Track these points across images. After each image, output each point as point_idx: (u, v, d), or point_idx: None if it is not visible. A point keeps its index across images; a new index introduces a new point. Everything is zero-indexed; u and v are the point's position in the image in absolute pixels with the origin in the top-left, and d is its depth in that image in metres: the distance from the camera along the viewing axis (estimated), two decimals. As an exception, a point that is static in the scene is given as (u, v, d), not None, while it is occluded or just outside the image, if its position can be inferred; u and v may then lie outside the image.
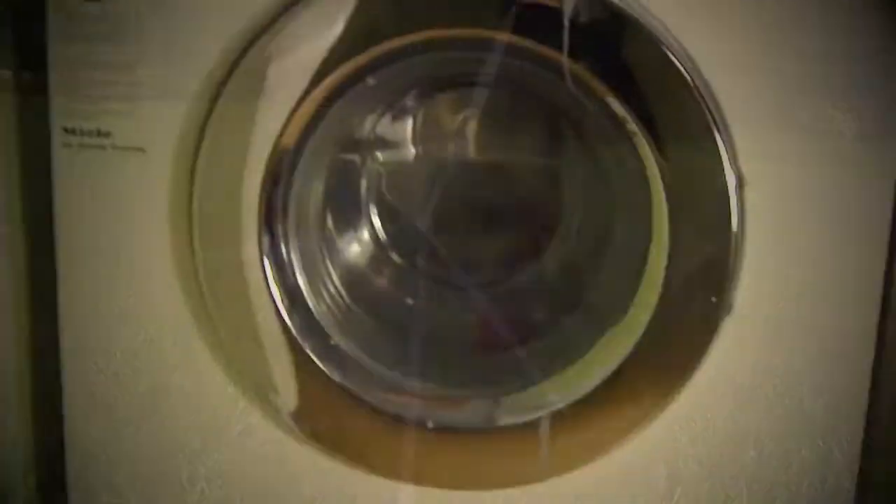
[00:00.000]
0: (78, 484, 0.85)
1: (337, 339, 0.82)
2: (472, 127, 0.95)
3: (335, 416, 0.81)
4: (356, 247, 0.96)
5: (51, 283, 0.81)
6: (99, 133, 0.76)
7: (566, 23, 0.70)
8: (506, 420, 0.81)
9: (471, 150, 0.95)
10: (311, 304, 0.82)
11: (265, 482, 0.84)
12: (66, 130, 0.77)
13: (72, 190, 0.78)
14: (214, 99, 0.75)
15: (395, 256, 0.97)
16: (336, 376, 0.80)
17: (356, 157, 0.94)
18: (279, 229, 0.78)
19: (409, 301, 0.94)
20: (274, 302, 0.78)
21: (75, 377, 0.83)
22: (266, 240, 0.77)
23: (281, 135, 0.74)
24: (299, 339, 0.79)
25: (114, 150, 0.77)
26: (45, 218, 0.79)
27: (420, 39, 0.73)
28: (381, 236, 0.97)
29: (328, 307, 0.84)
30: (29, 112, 0.81)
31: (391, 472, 0.81)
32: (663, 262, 0.75)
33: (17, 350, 0.84)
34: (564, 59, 0.71)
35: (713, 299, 0.74)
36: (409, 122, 0.95)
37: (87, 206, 0.79)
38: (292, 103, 0.74)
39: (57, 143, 0.77)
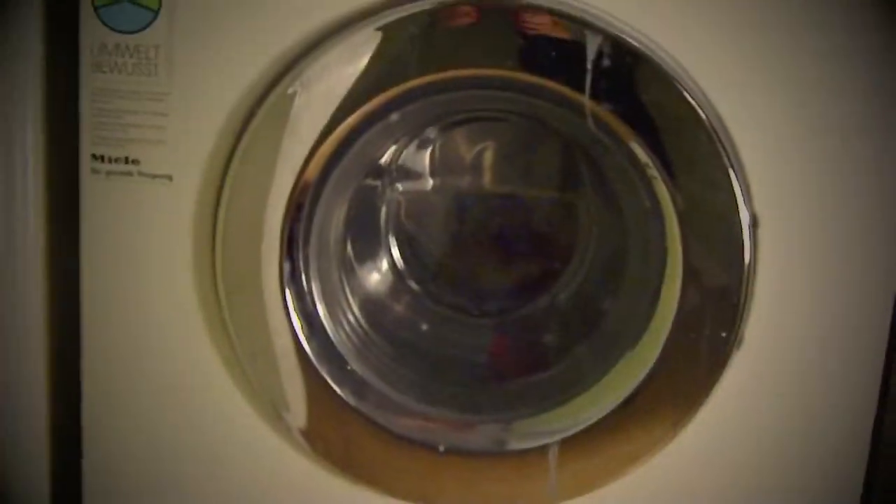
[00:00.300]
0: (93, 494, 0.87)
1: (353, 364, 0.82)
2: (489, 158, 0.95)
3: (346, 436, 0.82)
4: (375, 274, 0.96)
5: (75, 307, 0.82)
6: (127, 160, 0.77)
7: (589, 66, 0.71)
8: (516, 445, 0.82)
9: (488, 181, 0.96)
10: (329, 331, 0.82)
11: (274, 498, 0.84)
12: (94, 157, 0.78)
13: (99, 215, 0.79)
14: (241, 131, 0.75)
15: (411, 284, 0.97)
16: (351, 400, 0.81)
17: (376, 186, 0.94)
18: (300, 257, 0.79)
19: (424, 327, 0.95)
20: (293, 328, 0.79)
21: (95, 401, 0.84)
22: (287, 267, 0.78)
23: (304, 168, 0.75)
24: (316, 365, 0.80)
25: (141, 177, 0.77)
26: (71, 241, 0.81)
27: (442, 78, 0.73)
28: (398, 264, 0.98)
29: (346, 334, 0.85)
30: (57, 138, 0.82)
31: (401, 492, 0.82)
32: (676, 295, 0.75)
33: (42, 383, 0.85)
34: (586, 101, 0.72)
35: (723, 334, 0.75)
36: (429, 153, 0.96)
37: (113, 231, 0.79)
38: (316, 138, 0.74)
39: (85, 170, 0.78)
